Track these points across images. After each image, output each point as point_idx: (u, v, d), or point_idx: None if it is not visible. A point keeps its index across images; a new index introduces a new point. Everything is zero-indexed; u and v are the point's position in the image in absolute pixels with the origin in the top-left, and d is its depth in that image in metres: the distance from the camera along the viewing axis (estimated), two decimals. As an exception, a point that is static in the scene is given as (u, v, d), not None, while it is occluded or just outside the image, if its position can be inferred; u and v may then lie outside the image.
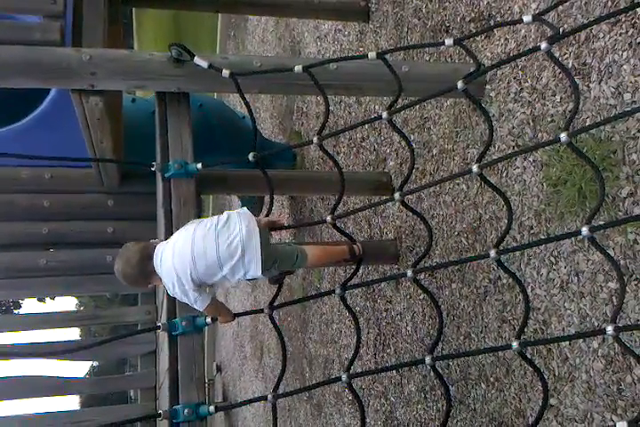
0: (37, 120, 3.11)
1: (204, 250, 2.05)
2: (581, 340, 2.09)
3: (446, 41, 1.91)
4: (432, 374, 2.99)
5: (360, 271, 3.76)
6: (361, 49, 3.87)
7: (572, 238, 2.11)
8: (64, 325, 4.46)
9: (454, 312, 2.83)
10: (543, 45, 1.66)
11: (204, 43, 10.24)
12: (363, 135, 3.84)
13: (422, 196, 3.11)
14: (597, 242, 1.58)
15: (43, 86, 2.42)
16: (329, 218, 2.16)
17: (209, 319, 2.26)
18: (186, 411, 2.07)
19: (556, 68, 2.23)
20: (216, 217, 2.13)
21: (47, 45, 2.23)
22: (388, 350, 3.49)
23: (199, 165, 2.43)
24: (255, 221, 2.11)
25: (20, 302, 24.09)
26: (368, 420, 3.59)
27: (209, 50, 9.47)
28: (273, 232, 2.44)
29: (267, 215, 2.41)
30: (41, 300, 23.84)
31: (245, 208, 2.20)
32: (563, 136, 1.56)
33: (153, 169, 2.44)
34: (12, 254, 3.46)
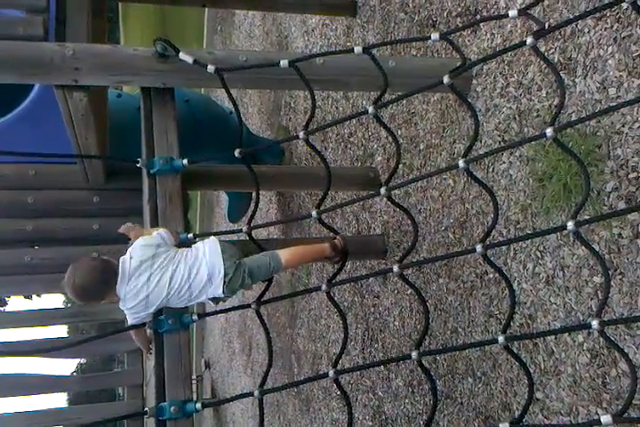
0: (21, 116, 3.07)
1: (177, 286, 2.08)
2: (567, 334, 2.10)
3: (432, 35, 1.90)
4: (419, 368, 3.02)
5: (347, 266, 3.77)
6: (348, 44, 3.86)
7: (558, 233, 2.12)
8: (51, 322, 4.43)
9: (441, 307, 2.84)
10: (529, 40, 1.66)
11: (190, 38, 10.17)
12: (350, 131, 3.84)
13: (410, 191, 3.12)
14: (583, 236, 1.59)
15: (26, 82, 2.39)
16: (314, 213, 2.15)
17: (195, 316, 2.25)
18: (172, 408, 2.06)
19: (541, 62, 2.23)
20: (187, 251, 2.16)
21: (30, 40, 2.20)
22: (376, 345, 3.50)
23: (185, 161, 2.42)
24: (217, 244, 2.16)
25: (6, 299, 23.88)
26: (356, 415, 3.60)
27: (196, 45, 9.41)
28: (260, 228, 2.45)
29: (254, 211, 2.39)
30: (27, 297, 23.65)
31: (213, 237, 2.23)
32: (548, 131, 1.56)
33: (138, 165, 2.41)
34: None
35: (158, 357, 2.17)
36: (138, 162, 2.40)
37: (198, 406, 2.07)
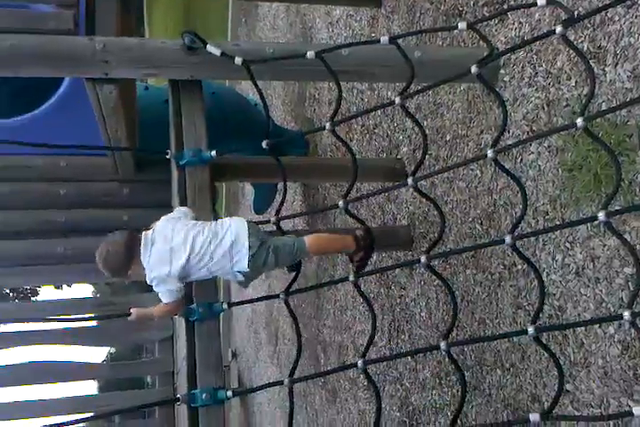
0: (52, 109, 3.13)
1: (199, 246, 2.12)
2: (597, 325, 2.08)
3: (459, 24, 1.89)
4: (447, 359, 3.02)
5: (373, 258, 3.77)
6: (373, 34, 3.83)
7: (588, 224, 2.10)
8: (81, 311, 4.52)
9: (468, 298, 2.84)
10: (558, 29, 1.65)
11: (214, 30, 10.19)
12: (375, 122, 3.83)
13: (436, 182, 3.10)
14: (614, 227, 1.58)
15: (57, 75, 2.44)
16: (341, 202, 2.16)
17: (225, 305, 2.28)
18: (204, 395, 2.10)
19: (570, 51, 2.20)
20: (212, 222, 2.22)
21: (61, 34, 2.24)
22: (403, 337, 3.51)
23: (213, 153, 2.44)
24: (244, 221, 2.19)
25: (38, 289, 24.42)
26: (383, 405, 3.62)
27: (220, 37, 9.43)
28: (286, 220, 2.47)
29: (281, 201, 2.41)
30: (58, 287, 24.15)
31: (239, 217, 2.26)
32: (579, 121, 1.55)
33: (168, 157, 2.45)
34: (29, 242, 3.50)
35: (190, 345, 2.21)
36: (167, 154, 2.44)
37: (229, 393, 2.10)
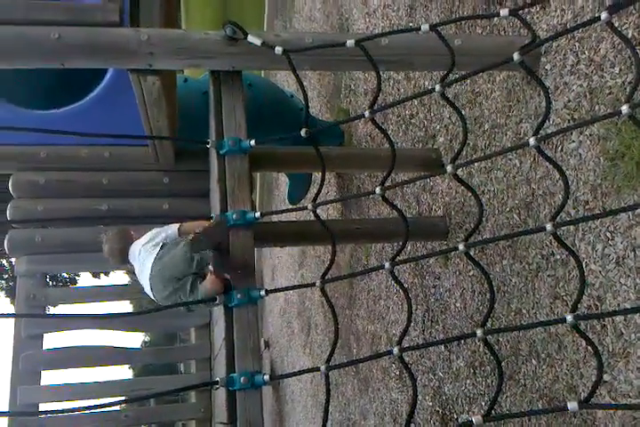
0: (96, 100, 3.22)
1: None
2: (637, 315, 2.07)
3: (502, 11, 1.88)
4: (481, 349, 3.02)
5: (408, 248, 3.78)
6: (410, 24, 3.82)
7: (629, 213, 2.08)
8: (117, 298, 4.64)
9: (504, 288, 2.83)
10: (603, 15, 1.62)
11: (251, 22, 10.23)
12: (412, 112, 3.82)
13: (473, 172, 3.09)
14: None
15: (104, 66, 2.51)
16: (378, 189, 2.17)
17: (263, 292, 2.32)
18: (242, 379, 2.15)
19: (614, 38, 2.17)
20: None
21: (107, 26, 2.30)
22: (437, 327, 3.51)
23: (252, 142, 2.48)
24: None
25: (77, 277, 25.00)
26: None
27: (256, 29, 9.47)
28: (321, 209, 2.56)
29: (319, 190, 2.43)
30: (96, 275, 24.71)
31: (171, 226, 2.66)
32: (624, 108, 1.53)
33: (208, 146, 2.50)
34: (71, 230, 3.61)
35: (228, 330, 2.26)
36: (208, 143, 2.48)
37: (267, 377, 2.15)
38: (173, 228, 2.63)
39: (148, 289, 2.61)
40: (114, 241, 2.73)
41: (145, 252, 2.58)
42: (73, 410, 2.09)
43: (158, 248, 2.55)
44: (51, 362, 4.09)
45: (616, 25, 2.10)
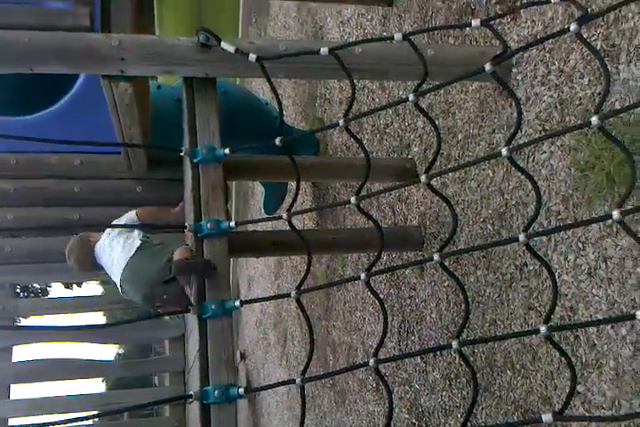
0: (66, 107, 3.16)
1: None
2: (609, 326, 2.07)
3: (473, 22, 1.88)
4: (457, 361, 3.00)
5: (384, 258, 3.76)
6: (384, 34, 3.84)
7: (601, 224, 2.09)
8: (90, 309, 4.55)
9: (479, 299, 2.83)
10: (572, 27, 1.63)
11: (225, 29, 10.23)
12: (386, 121, 3.83)
13: (447, 182, 3.10)
14: (628, 226, 1.56)
15: (74, 72, 2.46)
16: (353, 199, 2.15)
17: (237, 303, 2.28)
18: (216, 392, 2.10)
19: (584, 50, 2.19)
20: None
21: (77, 31, 2.26)
22: (413, 338, 3.50)
23: (227, 150, 2.45)
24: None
25: (48, 288, 24.57)
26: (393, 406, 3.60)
27: (231, 37, 9.47)
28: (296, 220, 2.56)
29: (293, 199, 2.41)
30: (68, 286, 24.30)
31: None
32: (594, 119, 1.53)
33: (182, 154, 2.46)
34: (42, 239, 3.53)
35: (202, 342, 2.22)
36: (181, 151, 2.45)
37: (241, 391, 2.10)
38: (130, 214, 2.68)
39: (117, 281, 2.65)
40: (76, 250, 2.72)
41: (110, 241, 2.62)
42: (43, 425, 2.02)
43: (130, 240, 2.60)
44: (20, 375, 3.99)
45: (585, 36, 2.12)
